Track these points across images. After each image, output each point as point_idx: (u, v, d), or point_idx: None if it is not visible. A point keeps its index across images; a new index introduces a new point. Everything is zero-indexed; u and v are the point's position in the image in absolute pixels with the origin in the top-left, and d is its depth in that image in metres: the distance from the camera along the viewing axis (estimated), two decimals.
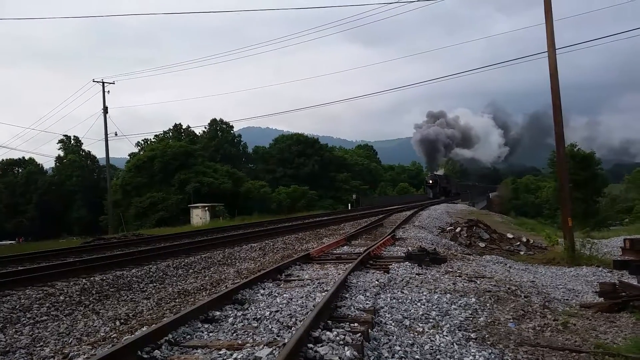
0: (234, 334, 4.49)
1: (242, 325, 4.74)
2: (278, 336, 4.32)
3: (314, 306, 5.11)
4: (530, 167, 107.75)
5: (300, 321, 4.66)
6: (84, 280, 8.97)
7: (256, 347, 3.89)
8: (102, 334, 5.95)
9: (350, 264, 8.16)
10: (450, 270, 8.96)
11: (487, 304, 6.32)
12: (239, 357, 3.63)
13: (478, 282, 7.81)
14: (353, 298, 5.89)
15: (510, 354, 4.64)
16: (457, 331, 5.17)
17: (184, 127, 71.97)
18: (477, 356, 4.49)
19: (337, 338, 4.02)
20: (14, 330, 6.29)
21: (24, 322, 6.63)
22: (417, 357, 4.31)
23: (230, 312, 5.23)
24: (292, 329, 4.50)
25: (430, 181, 63.41)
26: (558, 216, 31.97)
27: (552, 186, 51.26)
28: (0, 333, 6.17)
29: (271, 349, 3.79)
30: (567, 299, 7.75)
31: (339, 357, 3.61)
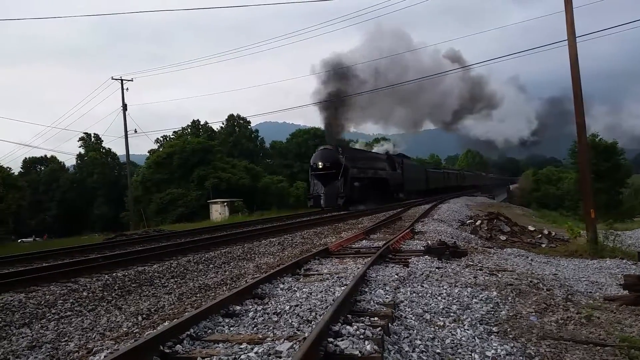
0: (255, 328, 4.51)
1: (263, 320, 4.76)
2: (298, 330, 4.33)
3: (333, 300, 5.11)
4: (551, 157, 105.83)
5: (320, 315, 4.66)
6: (106, 276, 9.09)
7: (277, 341, 3.90)
8: (124, 329, 6.03)
9: (369, 258, 8.14)
10: (471, 263, 8.89)
11: (509, 298, 6.25)
12: (260, 351, 3.65)
13: (499, 275, 7.73)
14: (372, 292, 5.87)
15: (532, 348, 4.58)
16: (478, 325, 5.12)
17: (201, 123, 72.53)
18: (499, 350, 4.44)
19: (358, 332, 4.01)
20: (39, 325, 6.41)
21: (49, 317, 6.75)
22: (438, 351, 4.28)
23: (250, 307, 5.26)
24: (312, 323, 4.50)
25: (320, 164, 27.06)
26: (580, 208, 31.51)
27: (573, 177, 50.54)
28: (27, 328, 6.30)
29: (291, 343, 3.80)
30: (590, 292, 7.64)
31: (360, 352, 3.60)
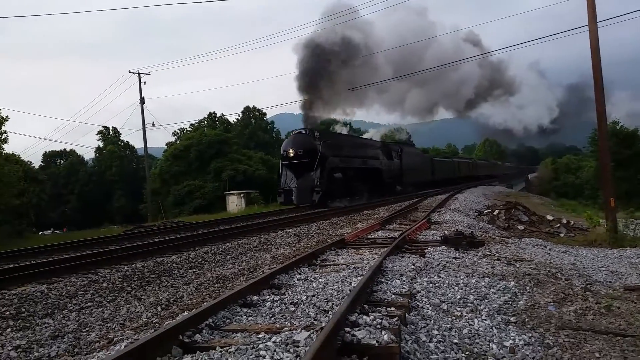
0: (272, 318, 4.55)
1: (280, 310, 4.79)
2: (315, 320, 4.36)
3: (350, 290, 5.12)
4: (570, 146, 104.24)
5: (336, 305, 4.68)
6: (125, 267, 9.22)
7: (294, 331, 3.93)
8: (144, 320, 6.12)
9: (385, 249, 8.13)
10: (488, 253, 8.84)
11: (527, 287, 6.21)
12: (278, 340, 3.67)
13: (517, 265, 7.68)
14: (389, 282, 5.87)
15: (551, 338, 4.56)
16: (496, 315, 5.10)
17: (218, 115, 72.87)
18: (517, 340, 4.43)
19: (374, 322, 4.02)
20: (61, 315, 6.53)
21: (71, 308, 6.87)
22: (455, 341, 4.28)
23: (267, 297, 5.30)
24: (329, 313, 4.52)
25: (291, 152, 23.31)
26: (600, 197, 31.11)
27: (593, 166, 49.86)
28: (50, 318, 6.42)
29: (309, 332, 3.82)
30: (610, 282, 7.54)
31: (377, 341, 3.61)
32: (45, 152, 73.00)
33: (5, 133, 26.02)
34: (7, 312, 6.46)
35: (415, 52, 37.16)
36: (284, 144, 24.46)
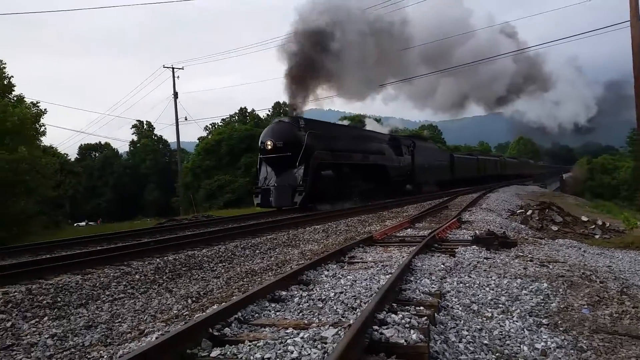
0: (300, 314, 4.56)
1: (308, 306, 4.81)
2: (343, 317, 4.35)
3: (378, 288, 5.10)
4: (607, 145, 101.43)
5: (364, 303, 4.66)
6: (157, 259, 9.37)
7: (322, 327, 3.94)
8: (174, 312, 6.21)
9: (414, 247, 8.07)
10: (521, 254, 8.68)
11: (560, 289, 6.07)
12: (306, 336, 3.69)
13: (550, 266, 7.51)
14: (418, 281, 5.82)
15: (584, 341, 4.45)
16: (527, 317, 5.01)
17: (248, 110, 73.47)
18: (549, 342, 4.34)
19: (403, 321, 3.98)
20: (95, 306, 6.69)
21: (104, 299, 7.03)
22: (485, 342, 4.22)
23: (295, 293, 5.32)
24: (357, 310, 4.51)
25: (269, 144, 19.31)
26: (637, 197, 30.21)
27: (631, 166, 48.42)
28: (84, 308, 6.58)
29: (337, 329, 3.82)
30: None
31: (405, 340, 3.58)
32: (81, 145, 75.07)
33: (44, 126, 26.66)
34: (45, 301, 6.65)
35: (449, 41, 35.86)
36: (262, 134, 20.62)
